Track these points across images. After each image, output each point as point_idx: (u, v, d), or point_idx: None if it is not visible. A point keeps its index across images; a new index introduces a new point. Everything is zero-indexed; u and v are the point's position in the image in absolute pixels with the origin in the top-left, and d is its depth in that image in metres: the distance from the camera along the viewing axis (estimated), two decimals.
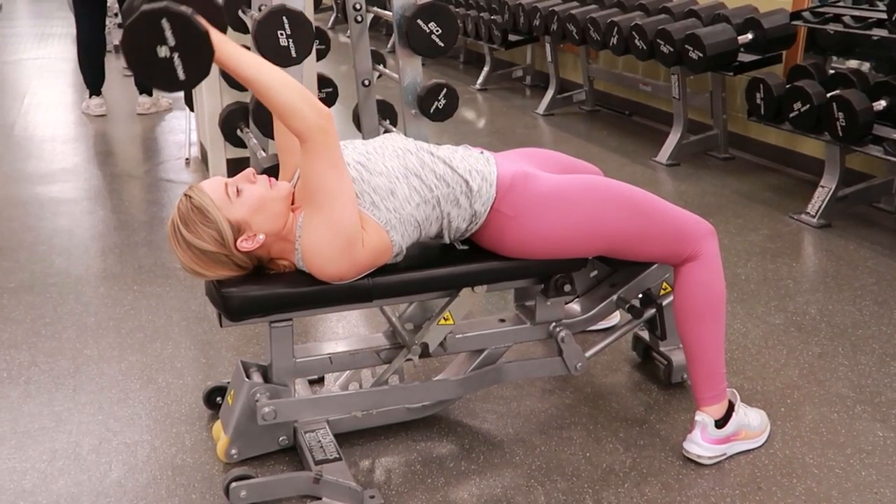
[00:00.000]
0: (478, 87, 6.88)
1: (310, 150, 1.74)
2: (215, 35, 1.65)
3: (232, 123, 3.33)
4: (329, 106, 3.76)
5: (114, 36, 6.89)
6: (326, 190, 1.76)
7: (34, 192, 4.18)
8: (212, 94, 3.89)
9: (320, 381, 2.36)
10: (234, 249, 1.81)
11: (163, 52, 1.56)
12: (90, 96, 5.78)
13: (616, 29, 4.81)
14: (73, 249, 3.41)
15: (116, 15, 7.47)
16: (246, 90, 3.54)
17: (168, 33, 1.56)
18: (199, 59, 1.60)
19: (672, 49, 4.36)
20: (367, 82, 3.06)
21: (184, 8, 1.58)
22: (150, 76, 1.62)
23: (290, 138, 1.95)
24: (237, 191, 1.81)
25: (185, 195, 1.80)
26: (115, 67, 6.76)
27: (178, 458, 2.07)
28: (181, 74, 1.60)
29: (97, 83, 5.76)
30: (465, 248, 2.06)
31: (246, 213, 1.81)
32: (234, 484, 1.85)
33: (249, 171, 1.86)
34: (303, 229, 1.82)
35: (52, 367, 2.48)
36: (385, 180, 1.86)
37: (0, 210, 3.88)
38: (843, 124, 3.43)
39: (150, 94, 5.87)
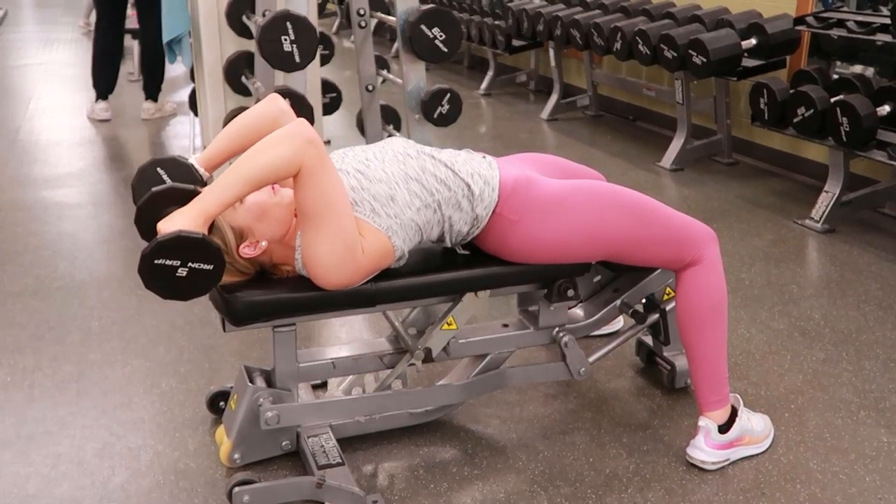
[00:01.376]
0: (481, 92, 6.88)
1: (304, 172, 1.73)
2: (193, 211, 1.67)
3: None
4: (333, 111, 3.77)
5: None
6: (321, 201, 1.75)
7: (39, 196, 4.20)
8: (216, 99, 3.90)
9: (323, 385, 2.36)
10: (236, 255, 1.81)
11: (182, 272, 1.66)
12: (96, 100, 5.79)
13: (620, 34, 4.81)
14: (77, 254, 3.42)
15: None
16: (250, 94, 3.56)
17: (168, 262, 1.64)
18: (202, 247, 1.66)
19: (676, 54, 4.36)
20: (370, 87, 3.07)
21: (154, 240, 1.64)
22: (195, 290, 1.70)
23: None
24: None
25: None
26: (121, 72, 6.78)
27: (181, 462, 2.07)
28: (207, 266, 1.67)
29: (108, 88, 5.78)
30: (467, 252, 2.06)
31: (249, 219, 1.81)
32: (237, 488, 1.85)
33: None
34: (301, 241, 1.82)
35: (56, 372, 2.49)
36: (385, 187, 1.86)
37: (5, 214, 3.89)
38: (847, 129, 3.42)
39: (156, 100, 5.88)
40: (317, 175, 1.73)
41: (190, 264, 1.65)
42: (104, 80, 5.73)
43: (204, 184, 1.87)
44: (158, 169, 1.89)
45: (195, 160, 1.93)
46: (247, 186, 1.70)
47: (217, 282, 1.72)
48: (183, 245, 1.64)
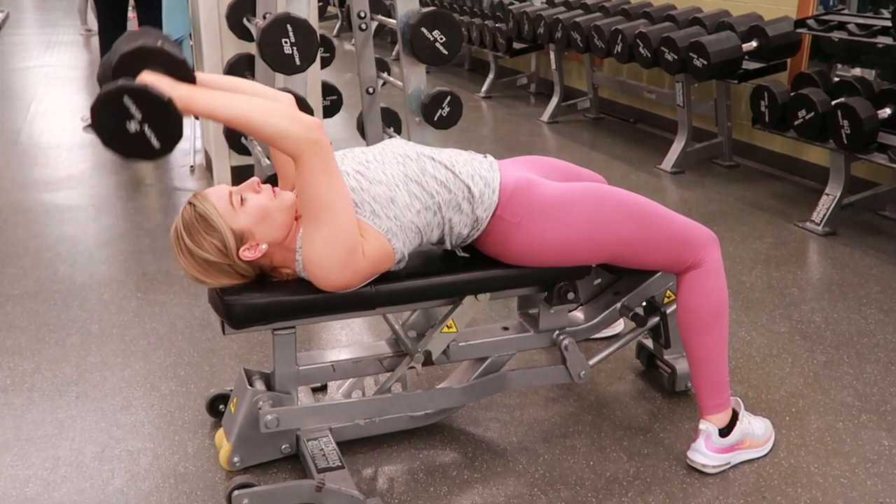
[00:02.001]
0: (482, 94, 6.89)
1: (304, 165, 1.74)
2: (182, 92, 1.66)
3: (236, 131, 3.34)
4: (333, 114, 3.77)
5: None
6: (324, 202, 1.76)
7: (40, 198, 4.20)
8: None
9: (323, 388, 2.35)
10: (236, 258, 1.81)
11: (132, 126, 1.59)
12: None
13: (620, 37, 4.81)
14: (77, 256, 3.42)
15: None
16: None
17: (133, 109, 1.58)
18: (169, 124, 1.62)
19: (676, 57, 4.36)
20: (371, 90, 3.07)
21: (139, 82, 1.60)
22: (127, 151, 1.64)
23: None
24: (241, 200, 1.82)
25: (190, 203, 1.81)
26: None
27: (180, 465, 2.07)
28: (155, 143, 1.62)
29: None
30: (466, 255, 2.06)
31: (249, 222, 1.81)
32: (236, 492, 1.84)
33: (254, 180, 1.87)
34: (303, 242, 1.82)
35: (56, 375, 2.49)
36: (385, 189, 1.86)
37: (6, 217, 3.89)
38: (848, 132, 3.42)
39: None
40: (317, 173, 1.73)
41: (146, 126, 1.59)
42: None
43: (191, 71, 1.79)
44: (151, 39, 1.73)
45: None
46: (240, 119, 1.70)
47: (149, 159, 1.65)
48: (160, 108, 1.58)
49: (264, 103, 1.74)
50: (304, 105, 2.44)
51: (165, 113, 1.60)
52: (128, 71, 1.66)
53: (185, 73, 1.72)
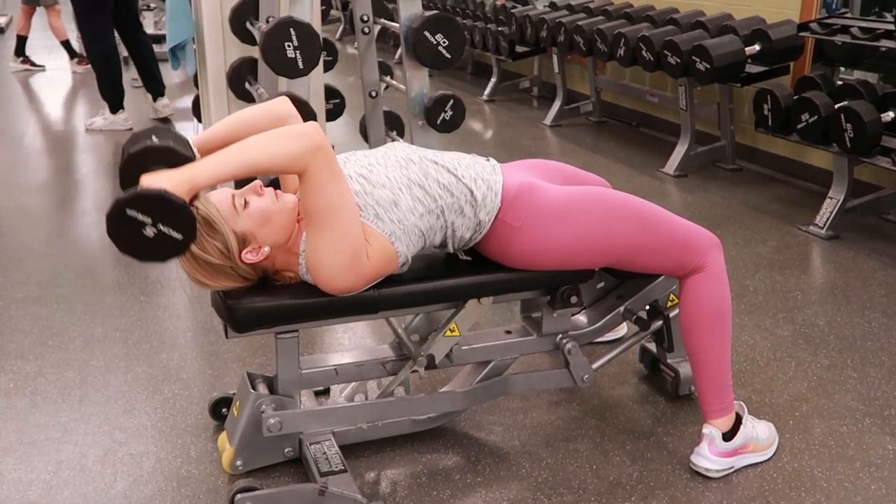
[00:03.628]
0: (485, 98, 6.89)
1: (309, 174, 1.73)
2: (181, 177, 1.66)
3: None
4: (336, 117, 3.77)
5: (122, 48, 6.94)
6: (329, 207, 1.76)
7: (42, 202, 4.20)
8: (219, 106, 3.90)
9: (326, 392, 2.35)
10: (238, 261, 1.81)
11: (149, 231, 1.61)
12: (113, 112, 5.73)
13: (623, 40, 4.81)
14: (80, 260, 3.42)
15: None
16: (253, 101, 3.56)
17: (140, 216, 1.60)
18: (179, 215, 1.63)
19: (679, 60, 4.35)
20: (374, 93, 3.07)
21: (133, 189, 1.62)
22: (159, 255, 1.67)
23: None
24: (244, 203, 1.82)
25: (193, 206, 1.80)
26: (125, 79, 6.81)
27: (183, 469, 2.07)
28: (177, 235, 1.63)
29: (121, 98, 5.74)
30: (469, 259, 2.05)
31: (252, 225, 1.81)
32: (239, 496, 1.84)
33: (257, 183, 1.87)
34: (307, 246, 1.82)
35: (59, 378, 2.49)
36: (388, 192, 1.86)
37: (9, 221, 3.90)
38: (851, 135, 3.42)
39: (163, 94, 5.89)
40: (324, 180, 1.73)
41: (160, 226, 1.60)
42: (115, 92, 5.67)
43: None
44: (154, 137, 1.78)
45: (191, 139, 1.86)
46: (244, 168, 1.69)
47: (181, 254, 1.66)
48: (162, 204, 1.59)
49: (258, 141, 1.71)
50: (305, 108, 2.44)
51: (170, 206, 1.61)
52: (131, 179, 1.68)
53: (179, 159, 1.71)
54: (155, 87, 5.86)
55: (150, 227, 1.60)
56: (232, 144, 1.74)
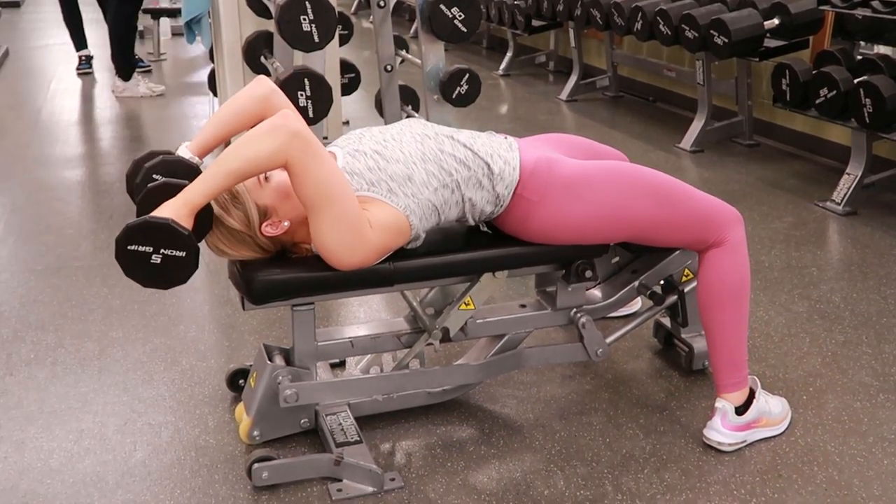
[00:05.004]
0: (501, 72, 6.85)
1: (293, 163, 1.72)
2: (177, 203, 1.68)
3: None
4: (351, 91, 3.77)
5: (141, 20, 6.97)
6: (319, 190, 1.74)
7: (61, 176, 4.23)
8: (235, 80, 3.91)
9: (342, 364, 2.38)
10: (258, 233, 1.83)
11: (156, 259, 1.67)
12: (125, 79, 5.87)
13: (640, 14, 4.77)
14: (99, 233, 3.45)
15: None
16: (269, 75, 3.56)
17: (142, 248, 1.66)
18: (178, 238, 1.67)
19: (697, 34, 4.32)
20: (389, 68, 3.07)
21: (131, 223, 1.67)
22: (171, 279, 1.71)
23: None
24: (266, 176, 1.83)
25: None
26: (141, 51, 6.81)
27: (201, 439, 2.10)
28: (181, 255, 1.68)
29: (134, 67, 5.91)
30: (489, 231, 2.06)
31: (274, 198, 1.83)
32: (256, 465, 1.87)
33: None
34: (311, 231, 1.82)
35: (79, 349, 2.52)
36: (402, 167, 1.86)
37: (28, 194, 3.93)
38: (871, 111, 3.38)
39: (126, 79, 5.94)
40: (307, 166, 1.73)
41: (162, 251, 1.66)
42: (131, 61, 5.86)
43: (198, 171, 1.86)
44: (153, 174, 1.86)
45: (186, 147, 1.91)
46: (229, 179, 1.71)
47: (192, 269, 1.70)
48: (151, 230, 1.65)
49: (234, 151, 1.71)
50: (321, 83, 2.44)
51: (167, 230, 1.66)
52: (142, 207, 1.74)
53: (176, 188, 1.75)
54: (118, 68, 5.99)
55: (155, 254, 1.67)
56: (229, 144, 1.78)
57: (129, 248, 1.66)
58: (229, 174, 1.70)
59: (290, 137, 1.70)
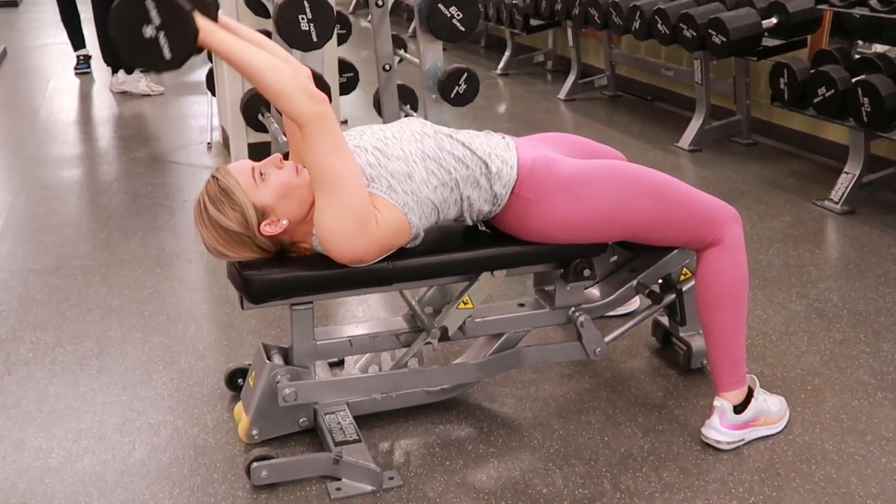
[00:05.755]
0: (499, 71, 6.86)
1: (309, 136, 1.75)
2: (202, 19, 1.67)
3: (253, 108, 3.36)
4: (349, 91, 3.78)
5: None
6: (331, 173, 1.77)
7: (59, 175, 4.23)
8: (234, 79, 3.91)
9: (340, 363, 2.38)
10: (257, 233, 1.83)
11: (149, 31, 1.60)
12: (124, 72, 5.91)
13: (639, 13, 4.77)
14: (97, 232, 3.45)
15: None
16: None
17: (153, 13, 1.59)
18: (184, 38, 1.62)
19: (695, 33, 4.32)
20: (387, 67, 3.07)
21: None
22: (137, 56, 1.64)
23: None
24: (262, 175, 1.83)
25: (213, 177, 1.83)
26: None
27: (200, 438, 2.10)
28: (166, 53, 1.62)
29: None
30: (487, 231, 2.06)
31: (271, 198, 1.83)
32: (255, 464, 1.87)
33: (277, 156, 1.87)
34: (315, 212, 1.83)
35: (77, 349, 2.52)
36: (402, 164, 1.86)
37: (26, 194, 3.93)
38: (869, 110, 3.39)
39: (130, 72, 5.97)
40: (324, 146, 1.74)
41: (161, 34, 1.60)
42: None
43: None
44: None
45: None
46: (249, 69, 1.70)
47: (158, 69, 1.65)
48: (181, 16, 1.59)
49: (278, 63, 1.73)
50: (321, 82, 2.45)
51: (184, 24, 1.60)
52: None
53: (209, 12, 1.72)
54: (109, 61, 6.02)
55: (153, 28, 1.60)
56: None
57: (146, 1, 1.57)
58: (253, 67, 1.70)
59: (317, 112, 1.73)
